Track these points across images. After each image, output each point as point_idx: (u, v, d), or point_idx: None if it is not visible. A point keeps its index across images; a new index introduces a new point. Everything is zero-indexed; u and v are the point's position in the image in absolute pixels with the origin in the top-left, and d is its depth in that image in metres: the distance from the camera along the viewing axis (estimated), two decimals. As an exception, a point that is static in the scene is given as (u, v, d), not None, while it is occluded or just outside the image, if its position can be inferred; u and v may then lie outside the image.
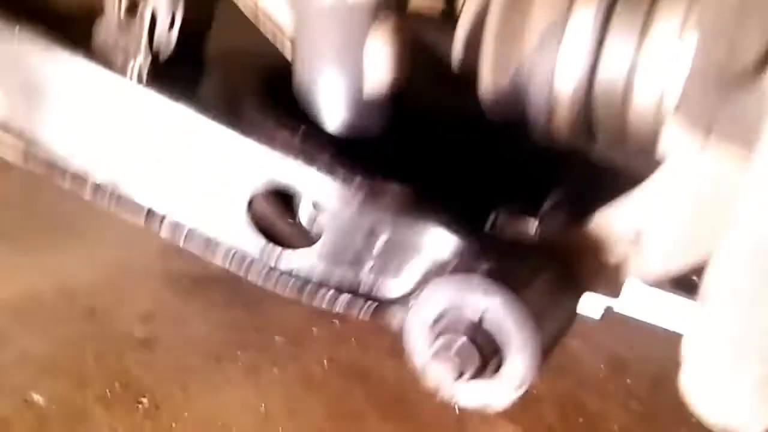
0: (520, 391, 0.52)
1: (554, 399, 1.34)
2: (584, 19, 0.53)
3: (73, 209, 1.86)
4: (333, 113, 0.59)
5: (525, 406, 1.29)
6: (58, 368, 1.25)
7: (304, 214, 0.62)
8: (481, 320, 0.49)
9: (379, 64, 0.58)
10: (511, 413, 1.26)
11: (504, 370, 0.50)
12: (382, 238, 0.55)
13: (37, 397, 1.17)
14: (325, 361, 1.37)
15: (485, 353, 0.49)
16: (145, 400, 1.21)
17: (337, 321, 1.49)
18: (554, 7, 0.54)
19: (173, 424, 1.17)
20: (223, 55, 0.64)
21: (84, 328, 1.38)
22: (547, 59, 0.55)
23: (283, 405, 1.24)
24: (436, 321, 0.51)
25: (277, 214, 0.62)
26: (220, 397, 1.24)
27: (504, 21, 0.56)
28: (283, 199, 0.62)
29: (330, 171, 0.55)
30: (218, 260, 0.59)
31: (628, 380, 1.43)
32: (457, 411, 1.25)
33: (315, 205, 0.60)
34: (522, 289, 0.51)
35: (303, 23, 0.58)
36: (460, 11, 0.63)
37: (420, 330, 0.53)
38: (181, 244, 0.58)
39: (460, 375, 0.49)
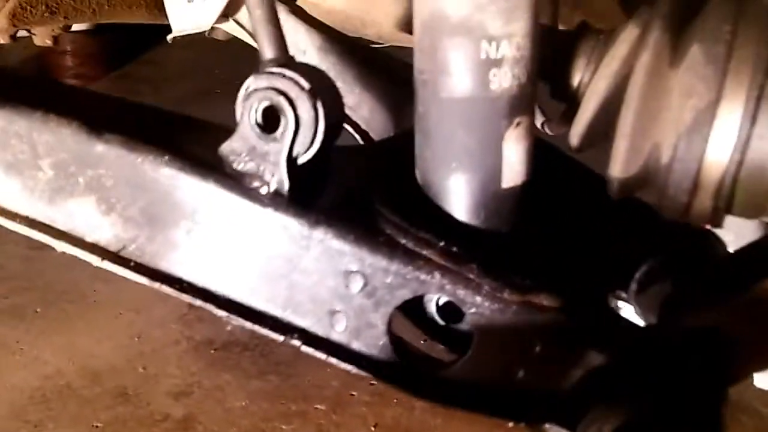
0: None
1: None
2: (735, 108, 0.53)
3: (78, 276, 1.80)
4: (466, 210, 0.58)
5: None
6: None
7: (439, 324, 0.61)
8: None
9: (517, 158, 0.57)
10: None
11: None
12: (536, 349, 0.54)
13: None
14: (372, 427, 1.33)
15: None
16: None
17: (375, 382, 1.45)
18: (701, 94, 0.54)
19: None
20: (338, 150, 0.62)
21: (119, 412, 1.32)
22: (695, 145, 0.54)
23: (339, 480, 1.20)
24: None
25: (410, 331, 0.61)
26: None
27: (641, 109, 0.56)
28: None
29: (478, 287, 0.53)
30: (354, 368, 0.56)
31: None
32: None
33: (453, 315, 0.58)
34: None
35: (432, 115, 0.57)
36: (574, 95, 0.63)
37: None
38: (325, 357, 0.55)
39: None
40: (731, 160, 0.53)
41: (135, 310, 1.66)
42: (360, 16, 1.04)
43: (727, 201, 0.56)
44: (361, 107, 0.96)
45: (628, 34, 0.58)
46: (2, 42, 1.28)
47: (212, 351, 1.53)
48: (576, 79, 0.63)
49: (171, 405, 1.35)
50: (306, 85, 0.51)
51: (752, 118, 0.52)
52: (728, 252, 0.71)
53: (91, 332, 1.57)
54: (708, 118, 0.53)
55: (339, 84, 0.80)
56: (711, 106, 0.53)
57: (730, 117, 0.52)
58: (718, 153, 0.53)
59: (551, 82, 0.65)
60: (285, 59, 0.53)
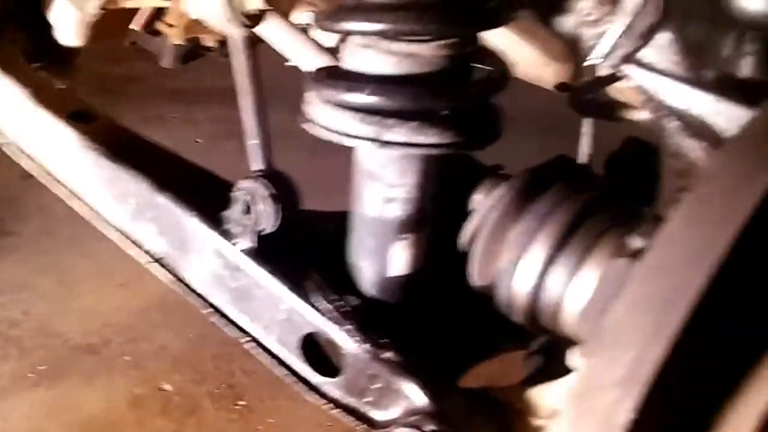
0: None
1: None
2: (532, 263, 0.77)
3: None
4: (367, 287, 0.87)
5: None
6: (185, 363, 1.64)
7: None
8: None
9: (401, 260, 0.85)
10: None
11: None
12: (379, 383, 0.83)
13: (167, 386, 1.57)
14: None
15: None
16: (242, 402, 1.57)
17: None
18: (514, 247, 0.79)
19: (258, 427, 1.52)
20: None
21: (206, 330, 1.76)
22: (507, 281, 0.79)
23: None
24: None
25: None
26: (300, 412, 1.57)
27: (487, 241, 0.81)
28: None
29: (352, 335, 0.82)
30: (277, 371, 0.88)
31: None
32: None
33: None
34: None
35: (356, 218, 0.86)
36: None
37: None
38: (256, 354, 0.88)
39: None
40: (528, 293, 0.78)
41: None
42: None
43: (533, 316, 0.80)
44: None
45: (486, 201, 0.82)
46: (180, 42, 1.72)
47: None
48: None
49: (245, 335, 1.78)
50: (271, 190, 0.83)
51: (544, 268, 0.76)
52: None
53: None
54: (513, 267, 0.77)
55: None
56: (515, 261, 0.77)
57: (525, 271, 0.76)
58: (522, 287, 0.78)
59: None
60: (266, 170, 0.85)
